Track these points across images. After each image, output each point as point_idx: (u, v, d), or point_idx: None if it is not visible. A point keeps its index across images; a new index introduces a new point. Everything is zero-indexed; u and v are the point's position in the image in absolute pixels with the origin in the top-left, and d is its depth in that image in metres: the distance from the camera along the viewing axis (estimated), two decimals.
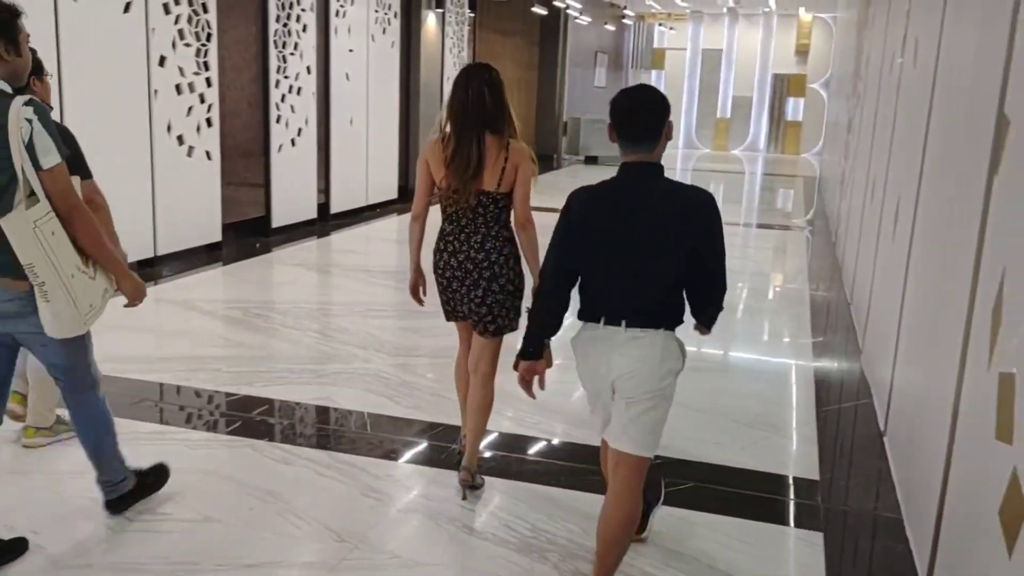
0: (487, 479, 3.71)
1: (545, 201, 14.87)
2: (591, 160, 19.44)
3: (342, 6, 10.07)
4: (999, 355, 2.39)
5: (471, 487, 3.61)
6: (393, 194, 11.71)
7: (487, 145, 3.35)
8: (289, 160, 9.29)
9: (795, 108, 25.12)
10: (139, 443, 3.90)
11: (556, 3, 16.10)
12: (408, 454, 3.99)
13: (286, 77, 9.09)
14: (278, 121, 9.05)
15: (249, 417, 4.34)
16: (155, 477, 3.47)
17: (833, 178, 12.58)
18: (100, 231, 2.90)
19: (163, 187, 7.42)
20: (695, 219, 2.63)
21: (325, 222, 10.12)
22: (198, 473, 3.68)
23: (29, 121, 2.67)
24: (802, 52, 24.77)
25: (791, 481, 3.91)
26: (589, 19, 19.42)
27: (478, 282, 3.45)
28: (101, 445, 3.24)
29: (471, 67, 3.48)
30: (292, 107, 9.24)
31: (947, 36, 3.95)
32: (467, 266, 3.45)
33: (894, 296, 4.58)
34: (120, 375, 4.70)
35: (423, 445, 4.09)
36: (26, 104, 2.69)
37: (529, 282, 3.23)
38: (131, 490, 3.33)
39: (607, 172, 2.75)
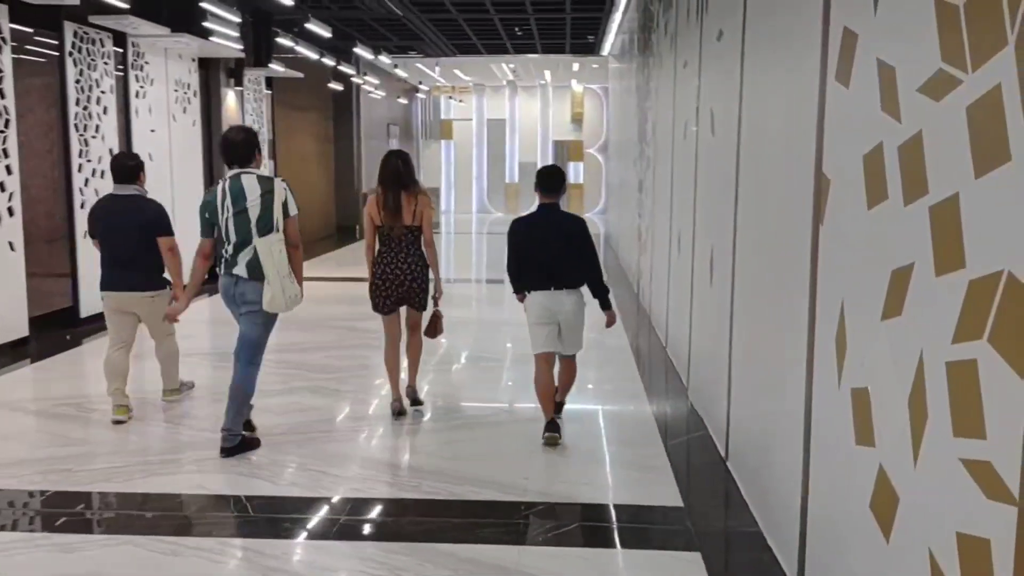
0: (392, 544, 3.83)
1: (347, 271, 15.17)
2: None
3: (142, 87, 9.84)
4: (848, 375, 2.87)
5: (415, 402, 5.81)
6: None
7: (403, 197, 5.44)
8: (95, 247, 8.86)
9: (576, 171, 26.75)
10: (5, 554, 3.67)
11: (354, 79, 16.40)
12: (299, 530, 4.01)
13: (89, 161, 8.74)
14: (83, 207, 8.65)
15: (120, 514, 4.17)
16: (252, 439, 5.07)
17: (625, 234, 13.57)
18: (300, 258, 5.00)
19: None
20: (575, 228, 5.23)
21: None
22: None
23: (285, 191, 4.87)
24: (577, 120, 26.58)
25: (661, 510, 4.29)
26: (384, 93, 19.86)
27: (403, 281, 5.51)
28: (241, 404, 4.95)
29: (391, 152, 5.63)
30: (96, 191, 8.86)
31: (747, 111, 4.60)
32: (396, 272, 5.49)
33: (720, 337, 5.15)
34: None
35: (311, 520, 4.12)
36: (283, 180, 4.98)
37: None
38: (239, 444, 4.92)
39: None
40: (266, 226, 4.78)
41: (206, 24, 9.55)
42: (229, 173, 4.87)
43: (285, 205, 4.84)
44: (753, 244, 4.45)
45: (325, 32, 11.80)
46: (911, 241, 2.38)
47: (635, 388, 6.69)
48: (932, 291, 2.25)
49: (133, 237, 5.44)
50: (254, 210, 4.79)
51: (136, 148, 9.72)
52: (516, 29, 16.16)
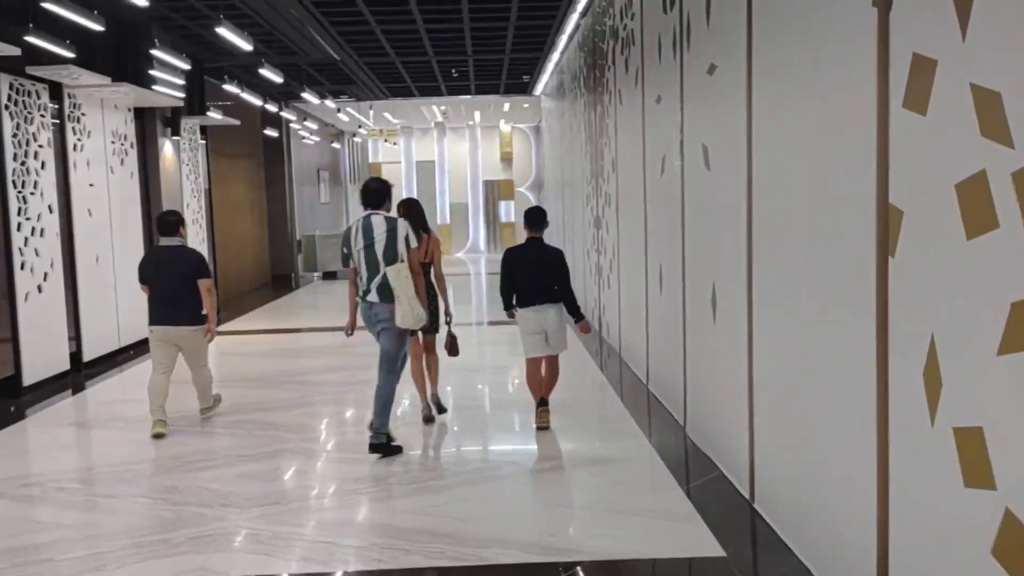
0: None
1: (291, 322, 14.73)
2: (329, 276, 19.24)
3: (79, 139, 9.34)
4: (948, 414, 2.73)
5: (439, 408, 6.81)
6: (146, 333, 10.77)
7: (422, 237, 6.34)
8: (37, 309, 8.31)
9: (507, 210, 26.74)
10: None
11: (293, 124, 16.04)
12: None
13: (28, 219, 8.19)
14: (23, 267, 8.09)
15: None
16: (395, 447, 5.78)
17: (575, 270, 13.40)
18: (423, 283, 6.00)
19: None
20: (555, 257, 6.53)
21: (79, 372, 9.09)
22: None
23: (406, 228, 5.78)
24: (506, 159, 26.61)
25: (705, 561, 4.08)
26: (317, 138, 19.50)
27: None
28: (385, 407, 5.71)
29: (411, 199, 6.71)
30: (36, 250, 8.32)
31: (760, 144, 4.51)
32: None
33: (734, 377, 5.00)
34: None
35: None
36: (403, 219, 5.98)
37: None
38: (383, 443, 5.66)
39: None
40: (391, 257, 5.70)
41: (152, 72, 9.13)
42: (363, 213, 5.87)
43: (407, 239, 5.76)
44: (778, 281, 4.33)
45: (277, 78, 11.46)
46: None
47: (629, 427, 6.51)
48: None
49: (177, 281, 6.50)
50: (380, 244, 5.73)
51: (75, 203, 9.23)
52: (453, 71, 16.08)
